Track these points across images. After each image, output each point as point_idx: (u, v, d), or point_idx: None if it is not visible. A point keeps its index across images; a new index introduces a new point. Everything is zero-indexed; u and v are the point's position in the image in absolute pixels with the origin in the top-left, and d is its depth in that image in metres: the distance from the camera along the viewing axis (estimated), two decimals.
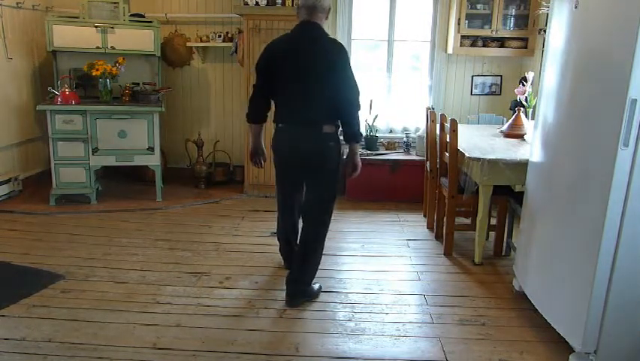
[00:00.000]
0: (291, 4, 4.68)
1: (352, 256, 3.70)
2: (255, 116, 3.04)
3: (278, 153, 2.99)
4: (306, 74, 2.78)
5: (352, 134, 2.85)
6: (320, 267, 3.11)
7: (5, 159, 4.71)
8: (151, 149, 4.68)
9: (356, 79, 2.84)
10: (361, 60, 5.53)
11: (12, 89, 4.76)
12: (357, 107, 2.84)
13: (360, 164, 2.99)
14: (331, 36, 2.97)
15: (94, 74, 4.53)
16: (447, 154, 3.62)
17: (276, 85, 2.87)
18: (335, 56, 2.78)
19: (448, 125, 3.55)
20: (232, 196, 5.05)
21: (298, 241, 3.12)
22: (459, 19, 4.95)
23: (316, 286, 3.06)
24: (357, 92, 2.82)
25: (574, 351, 2.36)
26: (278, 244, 3.37)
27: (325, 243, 3.05)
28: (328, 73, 2.76)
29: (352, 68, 2.83)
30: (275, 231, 3.47)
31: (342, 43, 2.92)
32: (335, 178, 2.96)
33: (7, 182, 4.65)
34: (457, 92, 5.46)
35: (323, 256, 3.11)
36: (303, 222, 3.04)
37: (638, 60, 1.96)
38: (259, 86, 2.95)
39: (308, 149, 2.84)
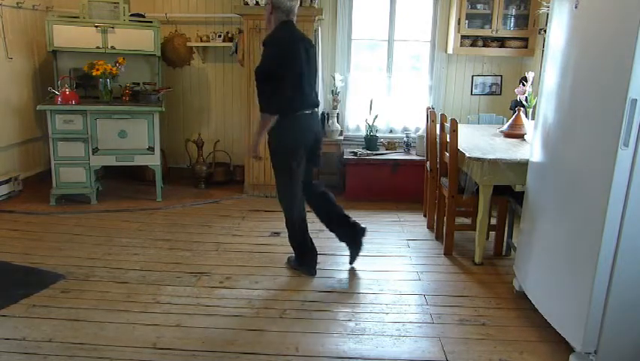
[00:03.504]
0: None
1: None
2: (281, 106, 3.08)
3: (299, 140, 3.16)
4: (309, 64, 3.17)
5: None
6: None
7: (5, 159, 4.71)
8: (151, 149, 4.68)
9: None
10: (361, 60, 5.52)
11: (12, 89, 4.76)
12: None
13: None
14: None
15: (94, 74, 4.53)
16: (447, 154, 3.62)
17: (291, 75, 3.08)
18: (314, 48, 3.34)
19: (448, 125, 3.55)
20: (232, 196, 5.05)
21: (327, 211, 3.42)
22: (459, 19, 4.95)
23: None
24: None
25: (574, 351, 2.36)
26: (287, 232, 3.37)
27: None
28: (316, 62, 3.37)
29: None
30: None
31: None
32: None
33: (7, 182, 4.65)
34: (457, 92, 5.46)
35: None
36: (315, 194, 3.37)
37: (638, 60, 1.96)
38: (282, 78, 3.03)
39: (319, 130, 3.38)
